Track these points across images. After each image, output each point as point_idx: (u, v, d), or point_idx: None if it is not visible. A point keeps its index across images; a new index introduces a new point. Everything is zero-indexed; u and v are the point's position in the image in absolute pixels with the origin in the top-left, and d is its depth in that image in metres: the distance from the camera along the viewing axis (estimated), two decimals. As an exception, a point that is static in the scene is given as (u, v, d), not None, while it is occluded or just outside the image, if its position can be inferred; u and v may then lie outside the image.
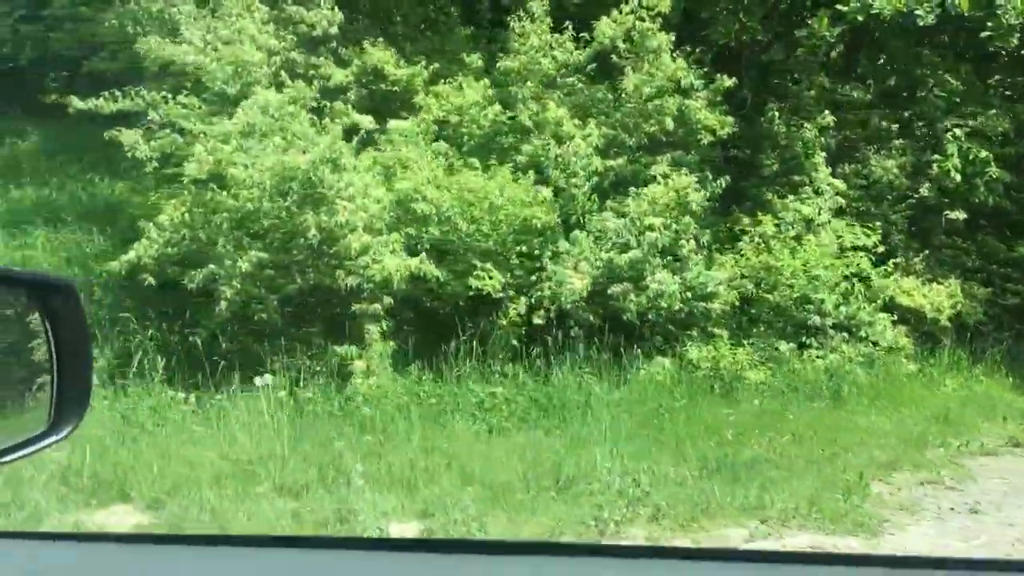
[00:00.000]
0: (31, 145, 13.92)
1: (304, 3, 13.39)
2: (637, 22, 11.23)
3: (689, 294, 9.87)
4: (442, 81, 12.50)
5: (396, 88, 12.24)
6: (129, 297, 9.37)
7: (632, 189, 10.61)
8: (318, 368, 8.40)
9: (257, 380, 7.99)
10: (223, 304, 8.31)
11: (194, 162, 9.01)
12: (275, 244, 8.67)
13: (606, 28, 11.28)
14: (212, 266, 8.53)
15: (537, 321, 9.40)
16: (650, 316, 9.86)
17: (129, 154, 11.15)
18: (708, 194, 10.47)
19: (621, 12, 11.27)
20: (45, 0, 15.50)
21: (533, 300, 9.54)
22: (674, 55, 11.29)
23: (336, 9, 12.36)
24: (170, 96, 10.74)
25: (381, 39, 12.60)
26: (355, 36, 12.88)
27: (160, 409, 7.64)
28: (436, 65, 12.55)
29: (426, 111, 11.65)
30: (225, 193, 8.76)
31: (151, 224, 8.88)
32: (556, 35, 11.37)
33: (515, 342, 9.38)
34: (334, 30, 12.36)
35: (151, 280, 8.73)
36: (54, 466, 6.23)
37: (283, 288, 8.57)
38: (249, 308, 8.47)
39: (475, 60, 13.12)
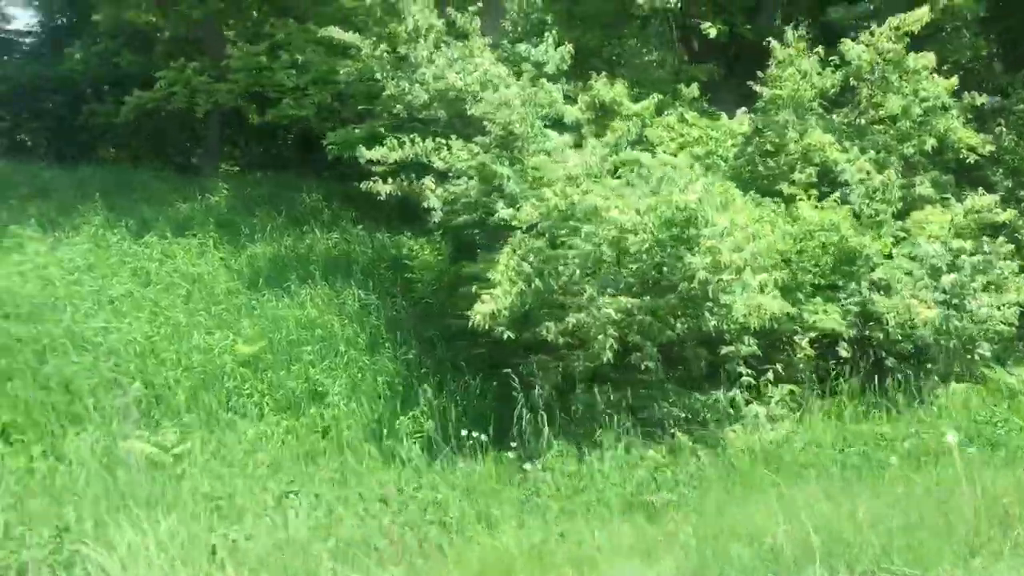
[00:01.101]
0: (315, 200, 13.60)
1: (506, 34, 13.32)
2: (888, 43, 11.12)
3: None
4: (666, 112, 12.42)
5: (625, 122, 12.05)
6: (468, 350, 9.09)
7: (928, 208, 10.43)
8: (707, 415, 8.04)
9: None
10: (603, 352, 7.92)
11: (531, 207, 8.69)
12: (647, 288, 8.31)
13: (859, 51, 11.15)
14: (579, 315, 8.16)
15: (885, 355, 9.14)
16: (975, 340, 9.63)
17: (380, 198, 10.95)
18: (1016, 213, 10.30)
19: (872, 35, 11.15)
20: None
21: (875, 332, 9.28)
22: (932, 75, 11.18)
23: (564, 46, 12.19)
24: (451, 142, 10.48)
25: (604, 73, 12.40)
26: (578, 71, 12.70)
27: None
28: (659, 96, 12.45)
29: (667, 143, 11.50)
30: (578, 238, 8.40)
31: (499, 274, 8.49)
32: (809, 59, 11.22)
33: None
34: (564, 67, 12.19)
35: (509, 334, 8.32)
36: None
37: (660, 334, 8.20)
38: (627, 356, 8.08)
39: (692, 91, 13.00)
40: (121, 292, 10.21)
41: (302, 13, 15.85)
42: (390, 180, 11.16)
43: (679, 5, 12.97)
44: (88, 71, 17.66)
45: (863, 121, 11.60)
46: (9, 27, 21.25)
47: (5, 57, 19.91)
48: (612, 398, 8.02)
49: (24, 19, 22.48)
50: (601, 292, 8.31)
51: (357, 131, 13.99)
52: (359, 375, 9.44)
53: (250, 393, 8.91)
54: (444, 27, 12.04)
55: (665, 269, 8.27)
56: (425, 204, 10.31)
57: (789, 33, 11.30)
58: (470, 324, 8.36)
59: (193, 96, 15.10)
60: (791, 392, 8.18)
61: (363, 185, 11.08)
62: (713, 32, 14.38)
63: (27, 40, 21.04)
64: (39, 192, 13.44)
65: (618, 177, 9.35)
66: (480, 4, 11.57)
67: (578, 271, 8.43)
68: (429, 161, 10.50)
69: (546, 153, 10.06)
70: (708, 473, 7.05)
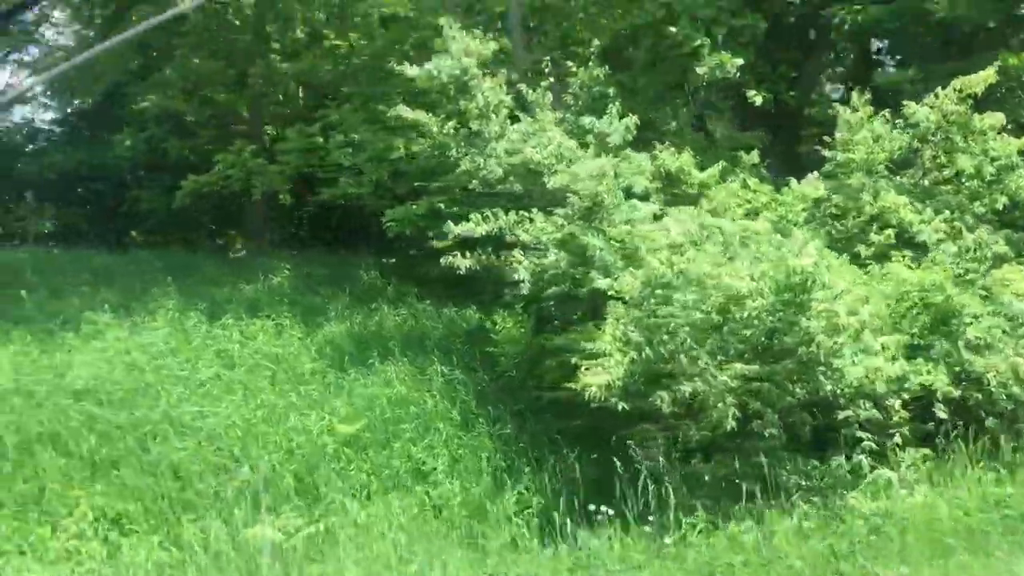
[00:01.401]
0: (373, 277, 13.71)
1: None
2: (952, 105, 11.34)
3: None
4: (730, 179, 12.60)
5: (691, 189, 12.21)
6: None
7: (1006, 266, 10.47)
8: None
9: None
10: (724, 420, 7.84)
11: (632, 276, 8.70)
12: (756, 353, 8.28)
13: (925, 113, 11.36)
14: (695, 383, 8.10)
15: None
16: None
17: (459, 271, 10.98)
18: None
19: (936, 96, 11.38)
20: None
21: (971, 391, 9.22)
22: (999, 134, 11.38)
23: (628, 117, 12.37)
24: (532, 215, 10.55)
25: (667, 143, 12.58)
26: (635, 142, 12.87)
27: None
28: (723, 164, 12.63)
29: (734, 209, 11.62)
30: (682, 305, 8.40)
31: (608, 344, 8.46)
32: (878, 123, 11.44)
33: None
34: (628, 137, 12.35)
35: (624, 404, 8.24)
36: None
37: (780, 400, 8.13)
38: (743, 424, 8.00)
39: (752, 158, 13.19)
40: (209, 375, 10.12)
41: (355, 92, 16.13)
42: (468, 254, 11.21)
43: (737, 74, 13.25)
44: (135, 157, 17.85)
45: (927, 182, 11.77)
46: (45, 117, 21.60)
47: (44, 144, 20.15)
48: (737, 467, 7.89)
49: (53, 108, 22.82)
50: (713, 359, 8.27)
51: (415, 207, 14.11)
52: (459, 452, 9.31)
53: (355, 473, 8.76)
54: (512, 102, 12.27)
55: (777, 334, 8.26)
56: (515, 276, 10.31)
57: (855, 98, 11.53)
58: (585, 396, 8.29)
59: (249, 178, 15.23)
60: (924, 457, 8.08)
61: (442, 260, 11.12)
62: (759, 100, 14.70)
63: (58, 129, 21.33)
64: (100, 278, 13.44)
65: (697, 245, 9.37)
66: (551, 80, 11.81)
67: (688, 339, 8.39)
68: (513, 234, 10.55)
69: (630, 223, 10.15)
70: (876, 541, 6.89)
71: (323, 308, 12.61)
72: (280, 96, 17.92)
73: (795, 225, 11.56)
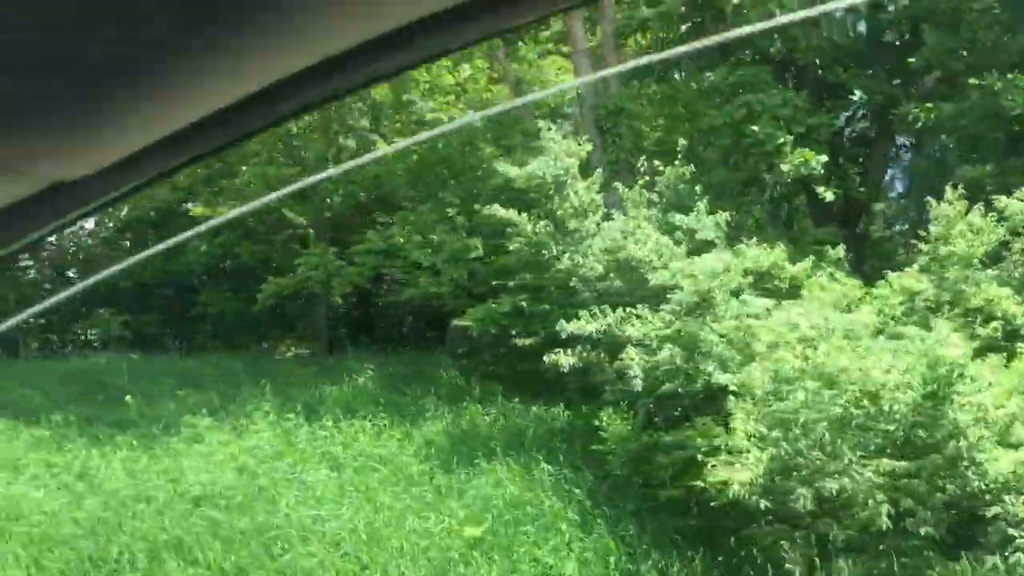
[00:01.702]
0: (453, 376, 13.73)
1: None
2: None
3: None
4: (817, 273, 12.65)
5: (783, 284, 12.25)
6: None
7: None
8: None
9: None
10: (877, 518, 7.64)
11: (761, 370, 8.65)
12: (896, 448, 8.12)
13: (1020, 207, 11.46)
14: (841, 480, 7.92)
15: None
16: None
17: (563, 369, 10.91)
18: None
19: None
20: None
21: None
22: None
23: (717, 214, 12.52)
24: (639, 311, 10.58)
25: (753, 237, 12.69)
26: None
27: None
28: (813, 259, 12.71)
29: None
30: (822, 399, 8.30)
31: (742, 440, 8.33)
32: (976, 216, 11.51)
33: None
34: (720, 233, 12.47)
35: (765, 503, 8.05)
36: None
37: (931, 497, 7.93)
38: (900, 522, 7.78)
39: (838, 252, 13.28)
40: (320, 478, 10.00)
41: (424, 195, 16.43)
42: (568, 352, 11.21)
43: (820, 170, 13.45)
44: (208, 262, 18.13)
45: (1018, 273, 11.78)
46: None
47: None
48: (887, 566, 7.65)
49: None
50: (853, 454, 8.12)
51: (495, 306, 14.18)
52: (584, 555, 9.07)
53: (485, 578, 8.54)
54: (602, 201, 12.48)
55: (919, 428, 8.12)
56: (629, 373, 10.25)
57: (949, 192, 11.63)
58: (711, 494, 8.13)
59: (329, 280, 15.39)
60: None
61: (546, 358, 11.11)
62: (830, 196, 14.88)
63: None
64: (187, 381, 13.42)
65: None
66: (646, 178, 12.02)
67: (825, 433, 8.26)
68: (620, 331, 10.55)
69: (738, 317, 10.15)
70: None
71: (413, 408, 12.52)
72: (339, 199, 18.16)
73: (893, 319, 11.54)
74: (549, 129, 11.82)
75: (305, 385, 13.69)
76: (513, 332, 14.10)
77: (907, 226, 17.35)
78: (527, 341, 13.48)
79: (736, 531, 9.14)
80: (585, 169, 14.54)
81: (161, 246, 1.14)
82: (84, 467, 9.86)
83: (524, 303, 14.05)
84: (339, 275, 15.61)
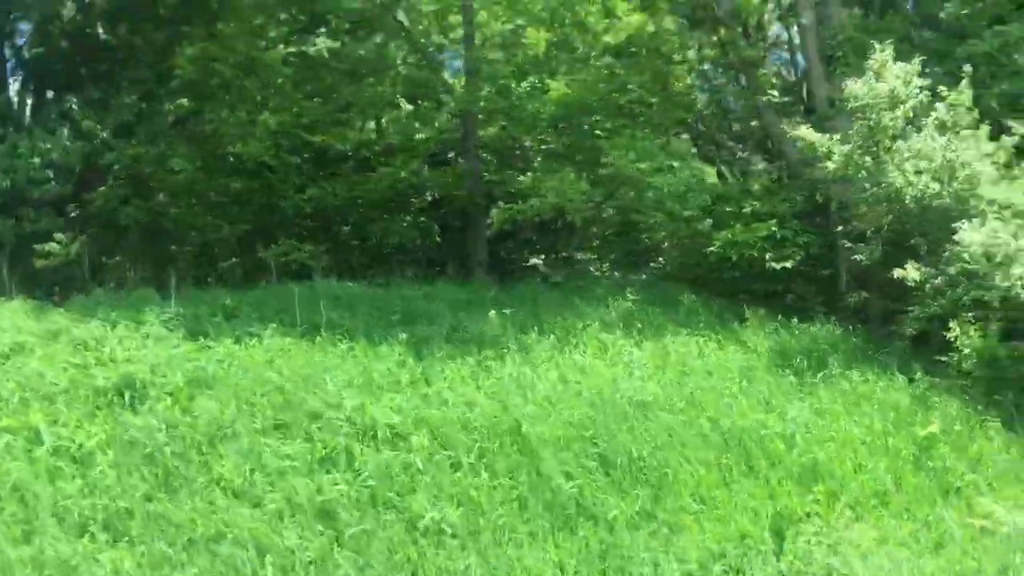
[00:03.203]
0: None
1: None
2: None
3: None
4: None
5: None
6: None
7: None
8: None
9: None
10: None
11: None
12: None
13: None
14: None
15: None
16: None
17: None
18: None
19: None
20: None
21: None
22: None
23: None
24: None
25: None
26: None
27: None
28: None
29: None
30: None
31: None
32: None
33: None
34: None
35: None
36: None
37: None
38: None
39: None
40: (725, 387, 10.36)
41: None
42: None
43: None
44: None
45: None
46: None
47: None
48: None
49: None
50: None
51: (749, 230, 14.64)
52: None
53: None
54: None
55: None
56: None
57: None
58: None
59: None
60: None
61: (896, 272, 11.62)
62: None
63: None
64: (476, 305, 13.31)
65: None
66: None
67: None
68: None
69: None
70: None
71: (721, 326, 12.88)
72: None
73: None
74: (882, 51, 12.23)
75: (576, 310, 13.69)
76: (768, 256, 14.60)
77: None
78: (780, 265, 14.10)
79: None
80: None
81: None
82: (519, 376, 9.96)
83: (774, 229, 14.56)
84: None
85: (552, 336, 11.52)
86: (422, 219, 18.41)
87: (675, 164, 15.35)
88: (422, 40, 18.77)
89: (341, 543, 7.09)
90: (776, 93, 16.59)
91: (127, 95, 16.55)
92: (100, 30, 17.51)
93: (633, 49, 17.49)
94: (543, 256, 18.92)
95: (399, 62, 18.60)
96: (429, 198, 18.86)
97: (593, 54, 17.79)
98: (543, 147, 18.14)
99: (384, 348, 10.67)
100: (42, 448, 8.17)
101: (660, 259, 17.10)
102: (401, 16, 18.42)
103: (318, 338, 11.02)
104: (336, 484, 7.78)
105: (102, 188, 16.47)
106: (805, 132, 13.11)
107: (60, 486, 7.66)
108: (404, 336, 11.08)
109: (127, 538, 7.02)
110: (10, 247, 15.79)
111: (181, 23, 17.21)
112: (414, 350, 10.73)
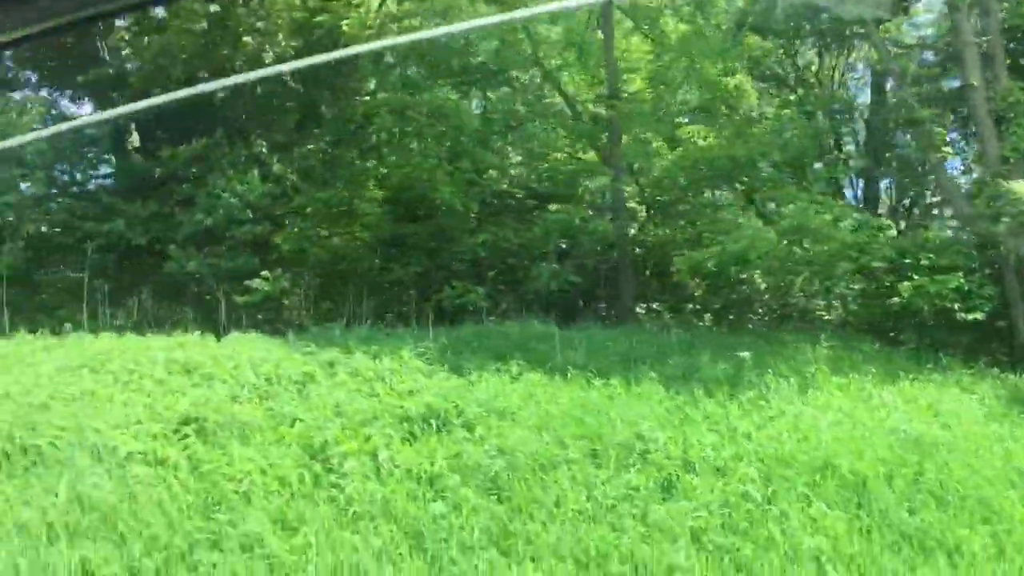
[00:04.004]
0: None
1: None
2: None
3: None
4: None
5: None
6: None
7: None
8: None
9: None
10: None
11: None
12: None
13: None
14: None
15: None
16: None
17: None
18: None
19: None
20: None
21: None
22: None
23: None
24: None
25: None
26: None
27: None
28: None
29: None
30: None
31: None
32: None
33: None
34: None
35: None
36: None
37: None
38: None
39: None
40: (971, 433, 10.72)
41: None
42: None
43: None
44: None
45: None
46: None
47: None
48: None
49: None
50: None
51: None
52: None
53: None
54: None
55: None
56: None
57: None
58: None
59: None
60: None
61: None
62: None
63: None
64: (687, 348, 13.76)
65: None
66: None
67: None
68: None
69: None
70: None
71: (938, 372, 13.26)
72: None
73: None
74: None
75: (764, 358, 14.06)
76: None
77: None
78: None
79: None
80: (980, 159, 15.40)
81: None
82: (797, 417, 10.38)
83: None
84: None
85: (791, 379, 11.92)
86: (571, 264, 19.01)
87: (856, 215, 15.88)
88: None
89: (721, 565, 7.52)
90: (951, 150, 17.16)
91: (320, 139, 17.34)
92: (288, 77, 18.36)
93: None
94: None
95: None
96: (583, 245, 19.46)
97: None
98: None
99: (645, 387, 11.13)
100: (395, 470, 8.71)
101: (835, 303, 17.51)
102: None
103: (568, 375, 11.53)
104: (684, 512, 8.21)
105: (295, 229, 17.18)
106: (1018, 187, 13.61)
107: (431, 507, 8.19)
108: (654, 375, 11.53)
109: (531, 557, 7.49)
110: (211, 283, 16.51)
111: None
112: (672, 389, 11.18)
